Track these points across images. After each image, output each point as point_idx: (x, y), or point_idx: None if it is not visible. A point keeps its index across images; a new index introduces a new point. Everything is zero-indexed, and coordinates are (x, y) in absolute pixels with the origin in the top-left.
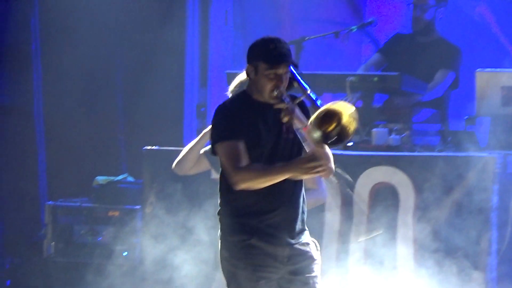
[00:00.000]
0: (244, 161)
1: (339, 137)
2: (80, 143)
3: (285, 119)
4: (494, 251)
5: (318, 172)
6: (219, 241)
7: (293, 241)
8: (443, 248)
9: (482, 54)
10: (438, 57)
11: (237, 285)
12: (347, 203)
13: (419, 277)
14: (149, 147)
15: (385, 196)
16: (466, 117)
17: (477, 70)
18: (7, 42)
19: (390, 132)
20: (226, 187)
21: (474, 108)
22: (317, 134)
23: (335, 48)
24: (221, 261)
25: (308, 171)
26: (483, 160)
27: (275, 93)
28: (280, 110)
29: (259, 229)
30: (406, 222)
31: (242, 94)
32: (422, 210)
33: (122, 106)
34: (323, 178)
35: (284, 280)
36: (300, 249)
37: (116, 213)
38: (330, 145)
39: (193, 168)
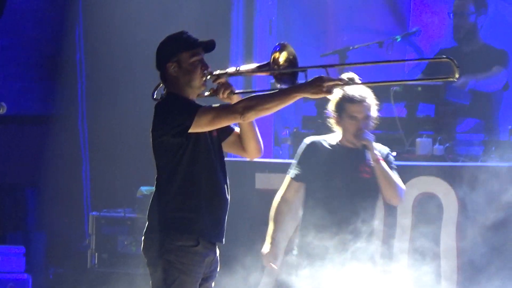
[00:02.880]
0: None
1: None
2: (124, 153)
3: (226, 93)
4: None
5: (327, 91)
6: (154, 241)
7: (216, 248)
8: (486, 259)
9: None
10: (488, 61)
11: None
12: (390, 214)
13: None
14: None
15: (428, 206)
16: (511, 127)
17: None
18: (52, 53)
19: (434, 142)
20: (176, 181)
21: None
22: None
23: (379, 57)
24: (160, 263)
25: (321, 89)
26: None
27: (205, 76)
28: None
29: (207, 230)
30: (450, 232)
31: (172, 94)
32: (465, 220)
33: None
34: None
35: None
36: (217, 256)
37: None
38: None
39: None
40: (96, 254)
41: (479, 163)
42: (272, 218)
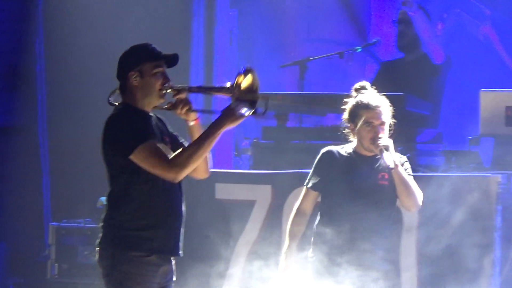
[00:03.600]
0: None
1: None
2: (84, 164)
3: (185, 109)
4: (497, 272)
5: (241, 115)
6: (108, 251)
7: (173, 257)
8: (446, 269)
9: (486, 74)
10: (424, 73)
11: None
12: None
13: None
14: None
15: None
16: (470, 137)
17: (481, 90)
18: (12, 63)
19: None
20: (130, 195)
21: (478, 128)
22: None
23: (340, 68)
24: (115, 274)
25: (239, 116)
26: (487, 181)
27: (165, 89)
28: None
29: (161, 247)
30: (409, 242)
31: (126, 106)
32: (425, 230)
33: None
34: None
35: None
36: (172, 266)
37: None
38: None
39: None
40: (56, 264)
41: (439, 174)
42: (288, 232)
